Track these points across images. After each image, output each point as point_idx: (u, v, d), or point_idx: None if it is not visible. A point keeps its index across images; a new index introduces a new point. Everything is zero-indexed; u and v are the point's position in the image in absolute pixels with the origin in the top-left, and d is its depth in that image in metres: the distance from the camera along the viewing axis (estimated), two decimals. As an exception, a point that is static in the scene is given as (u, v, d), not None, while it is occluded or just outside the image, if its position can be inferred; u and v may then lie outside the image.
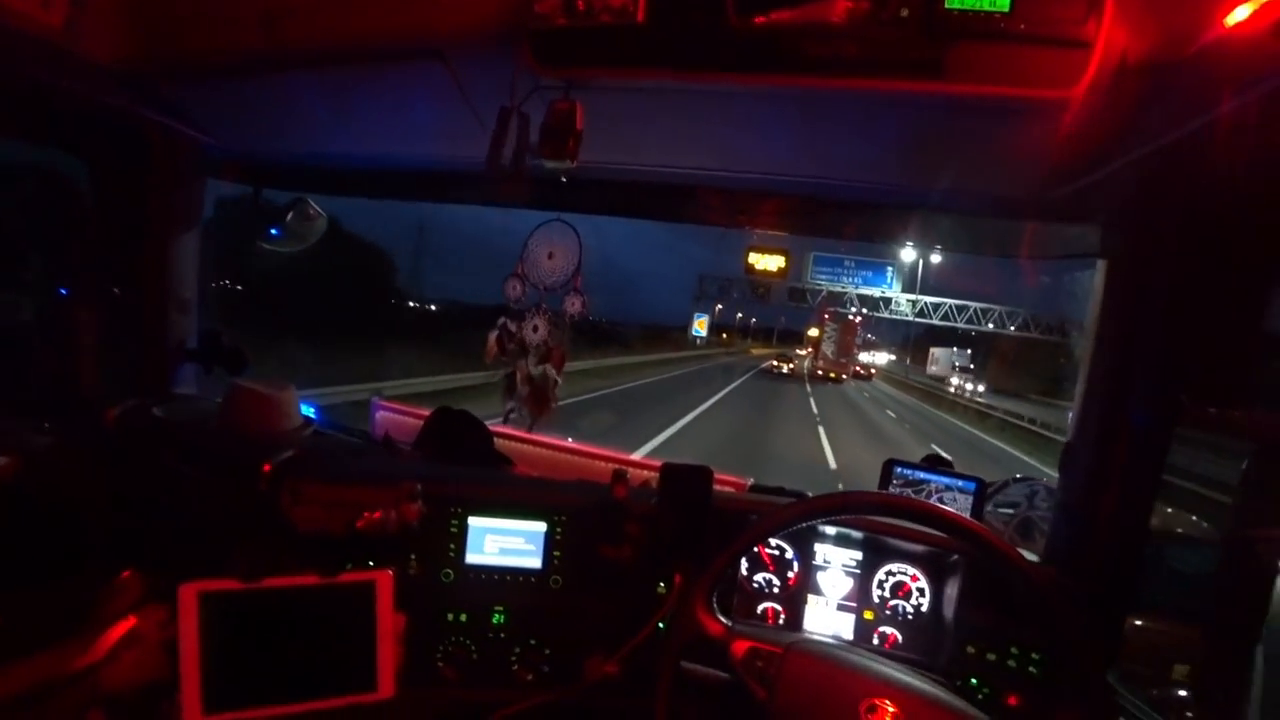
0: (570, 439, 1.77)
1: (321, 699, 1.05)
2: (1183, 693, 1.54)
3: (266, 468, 1.28)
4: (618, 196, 1.61)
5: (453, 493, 1.28)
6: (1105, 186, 1.18)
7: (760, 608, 1.34)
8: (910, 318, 35.15)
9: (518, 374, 1.53)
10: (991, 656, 1.19)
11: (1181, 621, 2.17)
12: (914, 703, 0.85)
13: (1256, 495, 1.22)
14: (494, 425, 1.71)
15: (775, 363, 45.09)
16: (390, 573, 1.09)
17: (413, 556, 1.24)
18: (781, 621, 1.33)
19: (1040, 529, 1.46)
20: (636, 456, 1.72)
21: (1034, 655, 1.18)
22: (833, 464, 11.33)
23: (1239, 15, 0.78)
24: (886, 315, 35.16)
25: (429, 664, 1.22)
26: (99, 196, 1.68)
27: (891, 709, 0.84)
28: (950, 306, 34.87)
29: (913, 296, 34.72)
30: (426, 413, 1.71)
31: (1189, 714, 1.30)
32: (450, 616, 1.25)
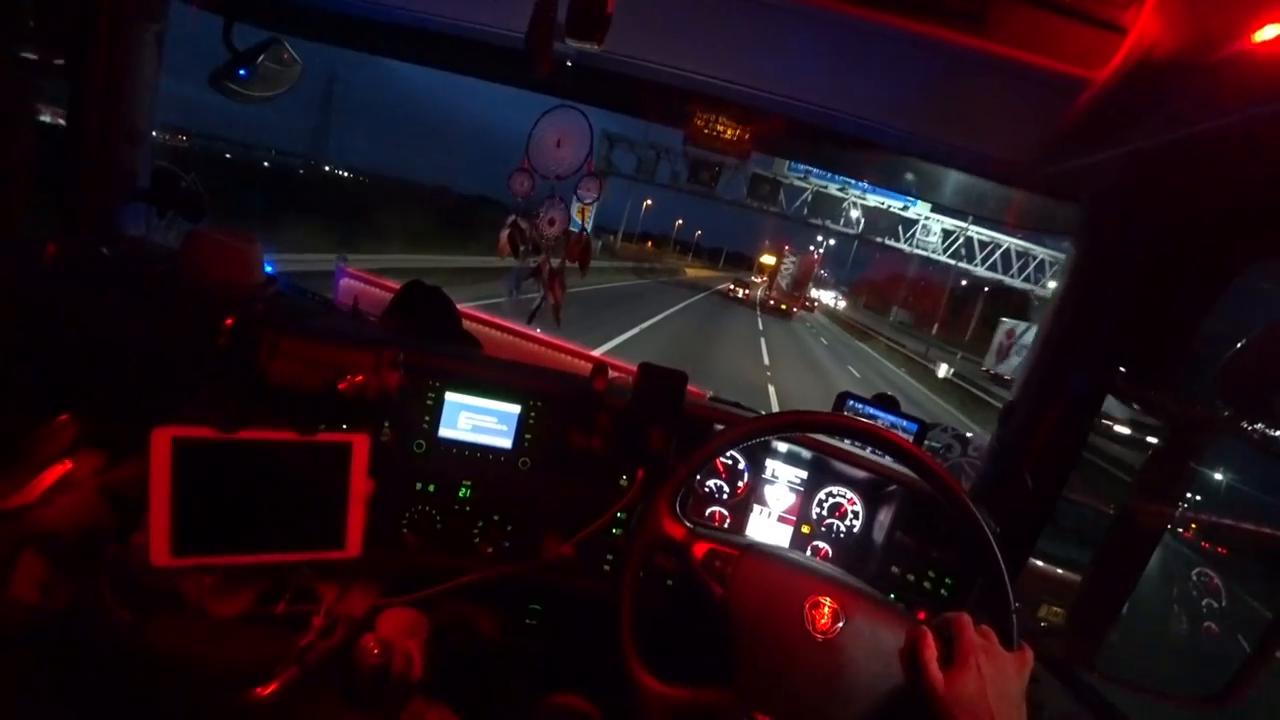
0: (539, 330, 1.78)
1: (289, 552, 1.06)
2: (1048, 624, 1.74)
3: (229, 321, 1.25)
4: (622, 91, 1.56)
5: (433, 365, 1.28)
6: (1096, 170, 1.24)
7: (708, 511, 1.43)
8: (940, 255, 23.77)
9: (542, 270, 1.51)
10: (911, 577, 1.32)
11: (1058, 567, 2.44)
12: (849, 598, 0.96)
13: (1158, 471, 1.38)
14: (464, 307, 1.70)
15: (732, 286, 47.48)
16: (367, 436, 1.09)
17: (387, 424, 1.24)
18: (726, 526, 1.43)
19: (967, 474, 1.59)
20: (605, 355, 1.75)
21: (947, 580, 1.32)
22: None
23: (1267, 33, 0.81)
24: (901, 247, 23.92)
25: (394, 529, 1.25)
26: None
27: (832, 604, 0.94)
28: (1008, 249, 23.13)
29: (952, 224, 22.87)
30: (395, 285, 1.68)
31: (1057, 646, 1.49)
32: (418, 486, 1.27)
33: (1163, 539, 1.48)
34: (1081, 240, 1.38)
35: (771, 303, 44.34)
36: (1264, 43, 0.83)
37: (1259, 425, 1.34)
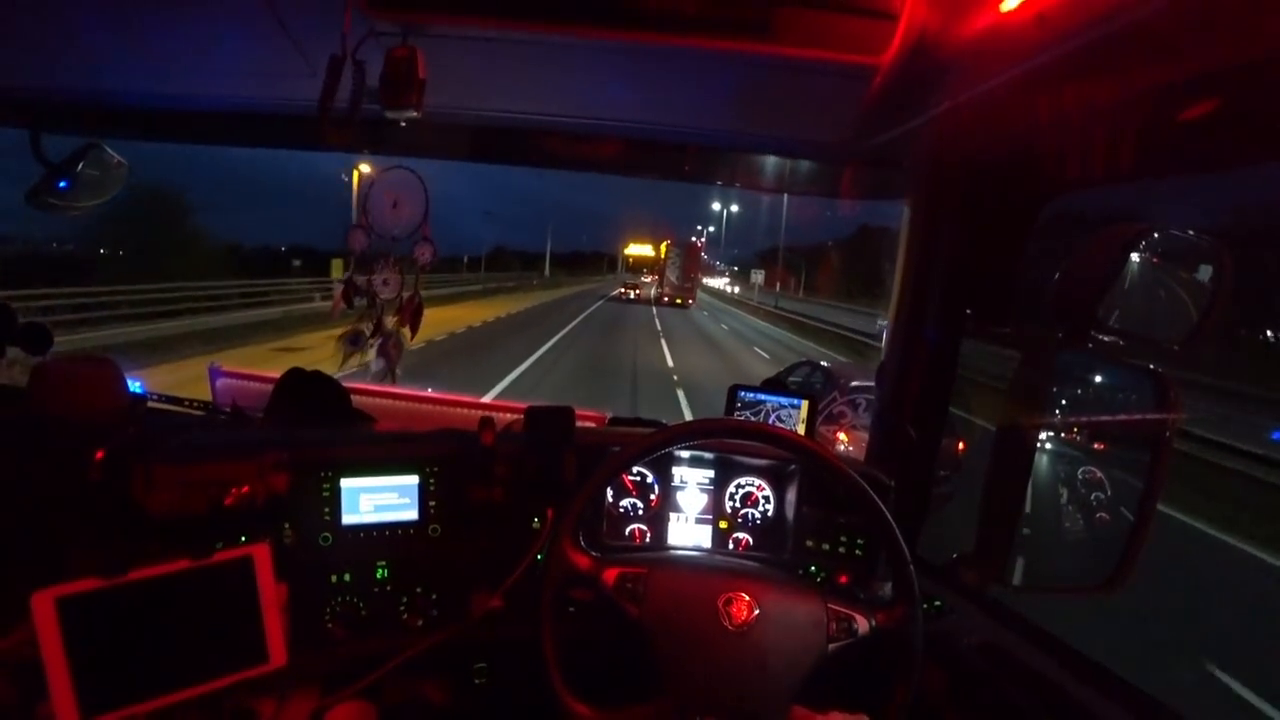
0: (429, 389, 1.77)
1: (213, 680, 1.04)
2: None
3: (99, 455, 1.19)
4: (459, 141, 1.58)
5: (320, 457, 1.26)
6: (909, 138, 1.34)
7: (628, 529, 1.47)
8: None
9: (378, 328, 1.50)
10: (825, 546, 1.41)
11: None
12: (762, 589, 1.01)
13: (1021, 392, 1.51)
14: (349, 382, 1.67)
15: (623, 289, 48.61)
16: (267, 545, 1.08)
17: (286, 526, 1.22)
18: (648, 540, 1.47)
19: (848, 417, 1.70)
20: (496, 400, 1.76)
21: (858, 541, 1.41)
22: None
23: (1010, 4, 0.92)
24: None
25: (318, 626, 1.23)
26: None
27: (746, 598, 0.99)
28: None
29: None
30: (274, 375, 1.64)
31: (970, 571, 1.60)
32: (334, 578, 1.26)
33: (1047, 448, 1.62)
34: (912, 200, 1.49)
35: (666, 299, 43.87)
36: (1009, 12, 0.93)
37: (1093, 334, 1.49)
